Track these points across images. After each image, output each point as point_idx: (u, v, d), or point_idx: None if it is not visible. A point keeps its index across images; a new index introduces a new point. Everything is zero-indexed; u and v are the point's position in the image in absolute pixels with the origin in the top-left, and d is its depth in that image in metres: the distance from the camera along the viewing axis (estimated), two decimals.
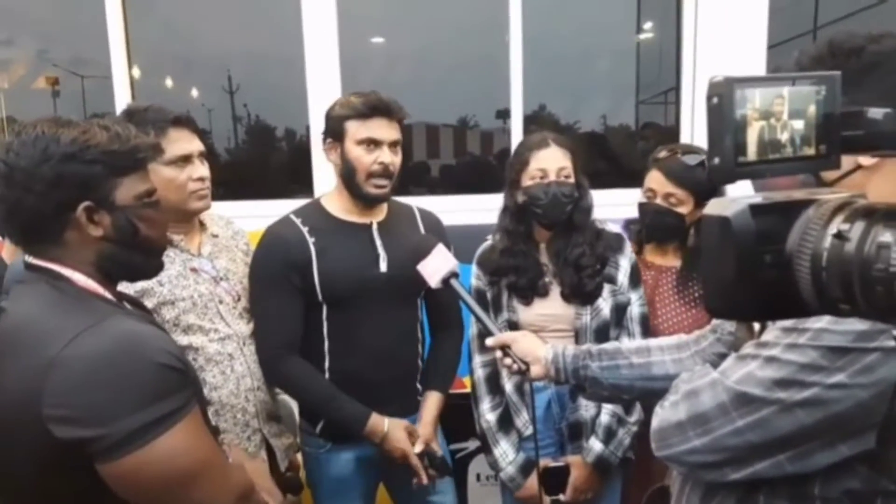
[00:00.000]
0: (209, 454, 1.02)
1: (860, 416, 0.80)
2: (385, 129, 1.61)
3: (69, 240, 1.00)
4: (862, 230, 0.47)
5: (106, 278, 1.05)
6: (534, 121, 2.72)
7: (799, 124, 0.53)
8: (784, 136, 0.53)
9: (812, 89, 0.54)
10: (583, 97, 3.34)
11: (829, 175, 0.91)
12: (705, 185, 1.73)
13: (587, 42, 3.20)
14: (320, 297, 1.61)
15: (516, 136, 2.54)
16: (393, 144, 1.62)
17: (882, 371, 0.78)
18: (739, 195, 0.56)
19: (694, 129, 2.60)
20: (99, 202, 0.99)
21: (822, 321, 0.80)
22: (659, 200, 1.79)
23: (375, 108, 1.59)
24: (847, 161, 0.87)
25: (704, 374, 0.94)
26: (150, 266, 1.12)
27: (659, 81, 3.20)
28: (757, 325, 0.97)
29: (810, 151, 0.54)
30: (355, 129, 1.60)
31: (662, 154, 1.81)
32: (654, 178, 1.80)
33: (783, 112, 0.53)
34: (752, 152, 0.53)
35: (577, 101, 3.32)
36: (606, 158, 3.27)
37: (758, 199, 0.55)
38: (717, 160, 0.53)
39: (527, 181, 1.67)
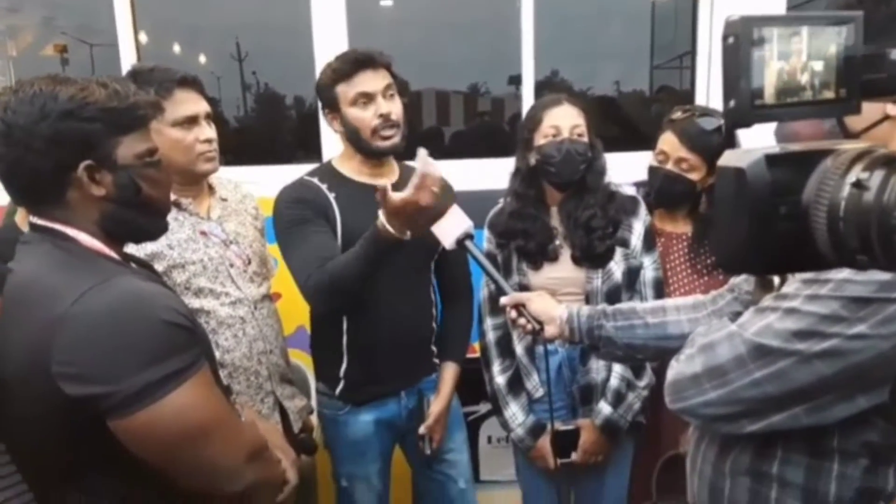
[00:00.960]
0: (220, 411, 1.02)
1: (880, 368, 0.80)
2: (372, 80, 1.57)
3: (72, 200, 0.99)
4: (881, 179, 0.46)
5: (110, 238, 1.04)
6: (546, 87, 2.68)
7: (819, 66, 0.51)
8: (803, 79, 0.51)
9: (833, 30, 0.51)
10: (596, 62, 3.28)
11: (854, 125, 0.89)
12: (720, 151, 1.69)
13: (601, 5, 3.13)
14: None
15: (528, 102, 2.50)
16: (386, 91, 1.59)
17: None
18: (755, 147, 0.54)
19: (710, 94, 2.55)
20: (100, 161, 0.99)
21: (845, 272, 0.79)
22: (670, 165, 1.75)
23: (358, 63, 1.56)
24: (874, 110, 0.85)
25: (721, 327, 0.94)
26: (153, 227, 1.12)
27: (674, 45, 3.14)
28: (777, 280, 0.96)
29: (830, 95, 0.52)
30: (345, 91, 1.57)
31: (678, 115, 1.76)
32: (668, 141, 1.75)
33: (802, 53, 0.51)
34: (769, 95, 0.51)
35: (590, 66, 3.27)
36: (619, 123, 3.23)
37: (774, 149, 0.53)
38: (732, 103, 0.51)
39: (539, 140, 1.64)
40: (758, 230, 0.53)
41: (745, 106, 0.51)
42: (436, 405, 1.73)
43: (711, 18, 2.49)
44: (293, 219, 1.57)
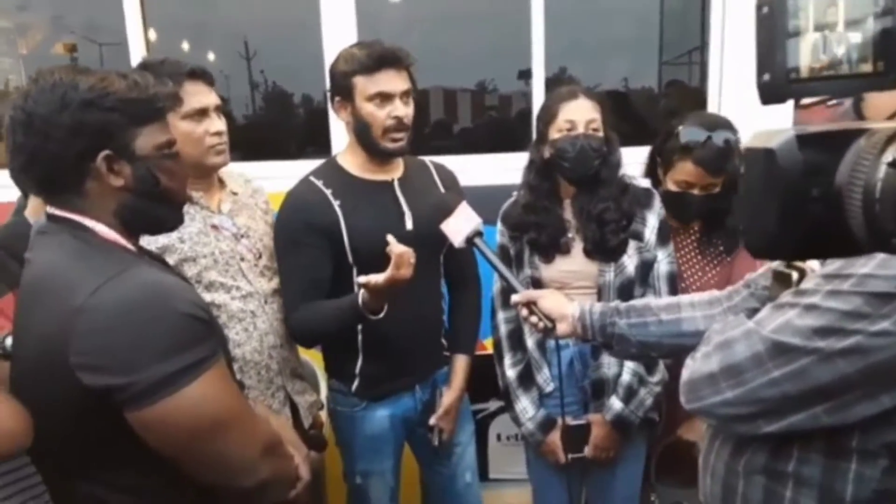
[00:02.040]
0: (236, 404, 1.02)
1: None
2: (395, 81, 1.55)
3: (90, 190, 0.99)
4: None
5: (127, 230, 1.04)
6: (555, 83, 2.66)
7: (856, 37, 0.50)
8: (840, 51, 0.49)
9: None
10: (605, 58, 3.26)
11: (874, 114, 0.87)
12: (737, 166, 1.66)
13: (609, 1, 3.12)
14: (351, 258, 1.59)
15: (537, 98, 2.48)
16: (404, 95, 1.57)
17: None
18: (781, 128, 0.52)
19: (722, 91, 2.53)
20: (119, 151, 0.98)
21: (868, 266, 0.77)
22: (697, 191, 1.72)
23: (383, 60, 1.53)
24: (894, 99, 0.83)
25: (738, 324, 0.92)
26: (171, 218, 1.11)
27: (682, 41, 3.12)
28: (795, 276, 0.94)
29: (867, 68, 0.50)
30: (364, 85, 1.54)
31: (689, 138, 1.69)
32: (689, 171, 1.70)
33: (838, 24, 0.49)
34: (804, 68, 0.49)
35: (598, 62, 3.25)
36: (628, 119, 3.21)
37: (805, 129, 0.51)
38: (767, 77, 0.50)
39: (554, 134, 1.63)
40: (789, 213, 0.52)
41: (780, 80, 0.49)
42: (447, 397, 1.72)
43: (724, 12, 2.47)
44: (290, 236, 1.59)
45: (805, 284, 0.86)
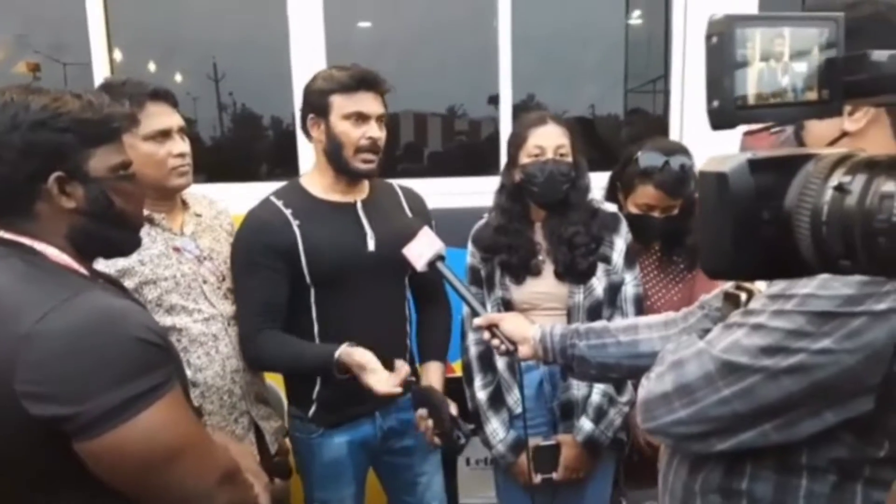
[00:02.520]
0: (191, 433, 0.99)
1: (846, 383, 0.79)
2: (372, 103, 1.57)
3: (41, 212, 0.97)
4: (864, 182, 0.45)
5: (80, 253, 1.01)
6: (522, 109, 2.70)
7: (801, 67, 0.51)
8: (785, 80, 0.51)
9: (814, 31, 0.51)
10: (572, 85, 3.33)
11: (812, 142, 0.90)
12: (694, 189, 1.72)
13: (576, 30, 3.19)
14: (308, 279, 1.58)
15: (505, 123, 2.52)
16: (379, 118, 1.59)
17: (868, 336, 0.77)
18: (734, 153, 0.54)
19: (684, 118, 2.60)
20: (71, 173, 0.96)
21: (809, 286, 0.79)
22: (658, 213, 1.77)
23: (362, 81, 1.55)
24: (831, 127, 0.86)
25: (690, 344, 0.94)
26: (125, 241, 1.09)
27: (647, 70, 3.20)
28: (744, 297, 0.96)
29: (812, 96, 0.52)
30: (341, 104, 1.55)
31: (648, 163, 1.75)
32: (650, 195, 1.76)
33: (784, 54, 0.51)
34: (752, 95, 0.51)
35: (565, 89, 3.31)
36: (595, 145, 3.27)
37: (756, 154, 0.53)
38: (716, 103, 0.51)
39: (524, 158, 1.66)
40: (741, 235, 0.52)
41: (728, 106, 0.50)
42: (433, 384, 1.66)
43: (684, 44, 2.55)
44: (248, 257, 1.57)
45: (752, 304, 0.88)
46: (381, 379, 1.44)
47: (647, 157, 1.75)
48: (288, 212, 1.59)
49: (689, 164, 1.73)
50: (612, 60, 3.46)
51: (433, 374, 1.70)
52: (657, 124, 2.71)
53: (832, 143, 0.86)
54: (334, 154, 1.58)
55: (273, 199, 1.62)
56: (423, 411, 1.55)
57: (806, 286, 0.79)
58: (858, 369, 0.78)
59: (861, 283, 0.76)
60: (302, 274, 1.57)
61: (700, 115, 2.46)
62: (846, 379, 0.79)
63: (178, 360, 1.11)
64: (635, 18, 3.29)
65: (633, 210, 1.80)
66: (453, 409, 1.54)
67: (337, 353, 1.47)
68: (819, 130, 0.88)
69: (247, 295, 1.58)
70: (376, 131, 1.57)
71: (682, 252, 1.84)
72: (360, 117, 1.56)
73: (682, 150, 1.78)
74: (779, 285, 0.83)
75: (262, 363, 1.64)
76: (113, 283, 1.19)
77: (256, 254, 1.56)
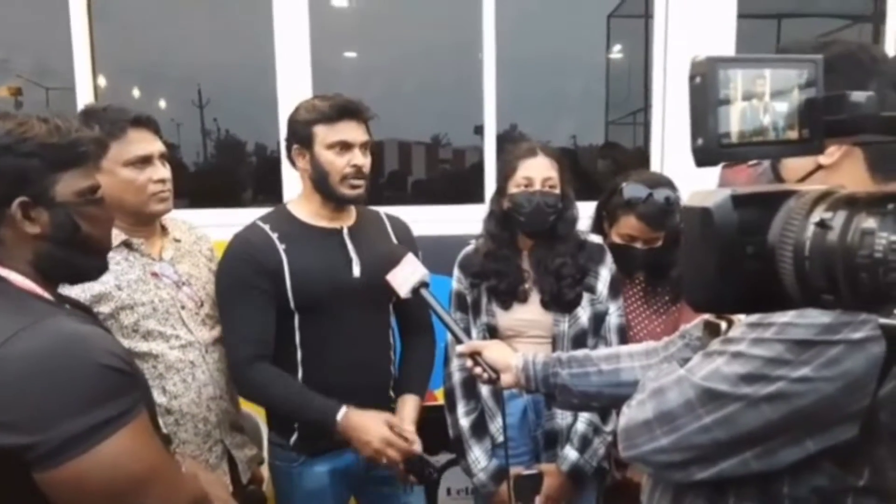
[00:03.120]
0: (157, 461, 0.96)
1: (826, 410, 0.80)
2: (355, 131, 1.58)
3: (4, 237, 0.95)
4: (844, 218, 0.46)
5: (45, 279, 0.99)
6: (505, 140, 2.74)
7: (782, 107, 0.52)
8: (766, 119, 0.52)
9: (794, 72, 0.53)
10: (554, 117, 3.39)
11: (789, 176, 0.91)
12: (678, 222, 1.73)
13: (558, 63, 3.25)
14: (292, 304, 1.56)
15: (489, 152, 2.55)
16: (363, 146, 1.60)
17: (847, 364, 0.77)
18: (717, 188, 0.55)
19: (664, 150, 2.64)
20: (36, 198, 0.95)
21: (788, 315, 0.80)
22: (640, 245, 1.78)
23: (344, 111, 1.56)
24: (807, 161, 0.88)
25: (671, 371, 0.94)
26: (91, 267, 1.07)
27: (628, 101, 3.27)
28: (724, 326, 0.97)
29: (793, 135, 0.53)
30: (325, 134, 1.56)
31: (631, 194, 1.76)
32: (633, 226, 1.76)
33: (765, 94, 0.52)
34: (734, 133, 0.51)
35: (548, 120, 3.37)
36: (575, 175, 3.33)
37: (739, 189, 0.53)
38: (700, 141, 0.51)
39: (513, 188, 1.68)
40: (726, 269, 0.53)
41: (712, 144, 0.51)
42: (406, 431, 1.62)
43: (665, 77, 2.60)
44: (237, 280, 1.56)
45: (732, 333, 0.88)
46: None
47: (631, 189, 1.77)
48: (274, 235, 1.58)
49: (674, 197, 1.75)
50: (593, 92, 3.53)
51: (408, 408, 1.67)
52: (638, 156, 2.75)
53: (807, 175, 0.88)
54: (321, 182, 1.59)
55: (259, 223, 1.62)
56: None
57: (784, 315, 0.80)
58: (838, 397, 0.78)
59: (838, 312, 0.77)
60: (286, 298, 1.56)
61: (680, 147, 2.51)
62: (825, 406, 0.79)
63: (145, 386, 1.08)
64: (616, 52, 3.37)
65: (617, 240, 1.82)
66: (417, 446, 1.57)
67: (339, 417, 1.51)
68: (795, 164, 0.90)
69: (238, 322, 1.55)
70: (360, 158, 1.58)
71: (667, 284, 1.85)
72: (344, 146, 1.57)
73: (666, 182, 1.80)
74: (758, 314, 0.84)
75: (255, 398, 1.63)
76: (80, 307, 1.16)
77: (245, 275, 1.54)
